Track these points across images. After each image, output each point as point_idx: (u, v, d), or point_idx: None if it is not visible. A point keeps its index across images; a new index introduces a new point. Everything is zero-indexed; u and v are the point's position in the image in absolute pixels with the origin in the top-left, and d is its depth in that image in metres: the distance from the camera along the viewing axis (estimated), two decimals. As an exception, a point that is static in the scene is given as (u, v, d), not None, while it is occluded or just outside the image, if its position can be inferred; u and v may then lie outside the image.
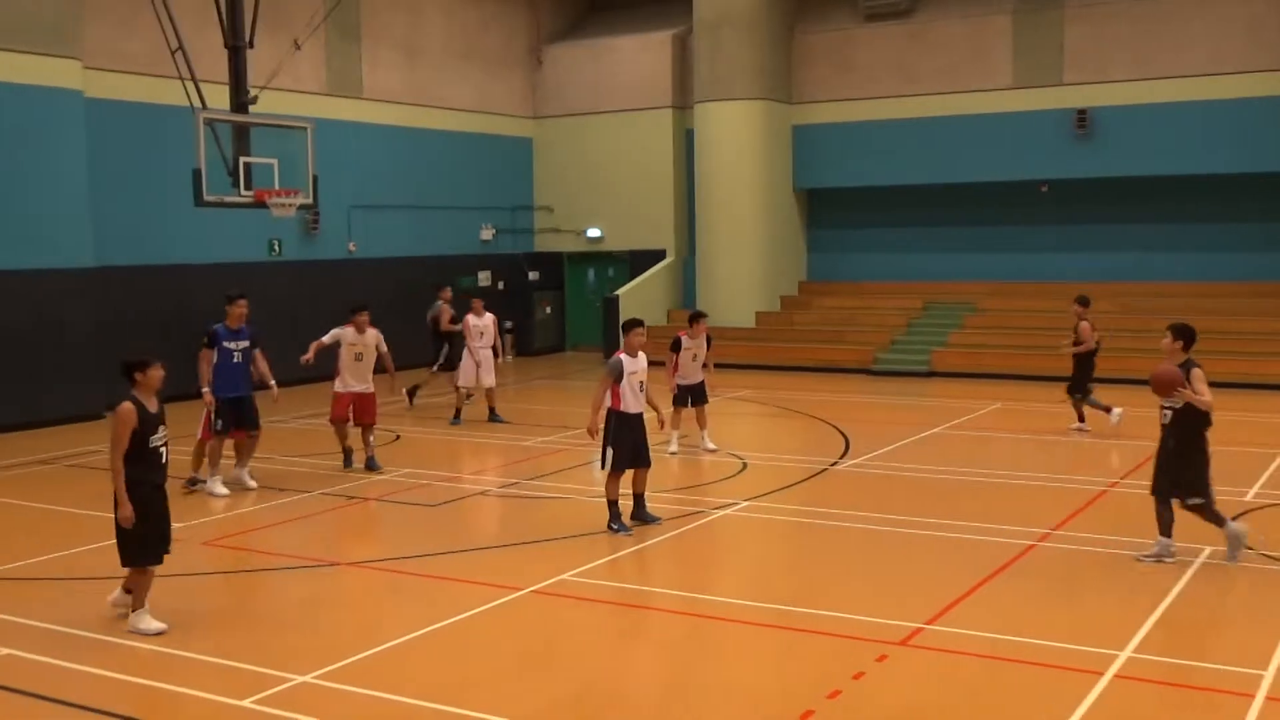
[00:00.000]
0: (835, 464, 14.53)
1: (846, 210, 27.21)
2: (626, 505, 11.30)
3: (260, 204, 17.30)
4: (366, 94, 24.81)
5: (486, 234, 27.89)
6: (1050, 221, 25.12)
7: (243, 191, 17.21)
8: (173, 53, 17.15)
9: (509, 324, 26.81)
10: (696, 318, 15.25)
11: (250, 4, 17.81)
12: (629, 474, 11.18)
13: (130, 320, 20.11)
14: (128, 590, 8.62)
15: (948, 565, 10.06)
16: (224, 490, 12.91)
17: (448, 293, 19.34)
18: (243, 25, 17.72)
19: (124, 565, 8.50)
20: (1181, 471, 9.60)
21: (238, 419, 13.01)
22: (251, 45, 17.84)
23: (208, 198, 16.83)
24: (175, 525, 11.61)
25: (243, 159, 17.24)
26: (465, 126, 27.21)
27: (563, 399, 20.91)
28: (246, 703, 7.14)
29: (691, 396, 15.26)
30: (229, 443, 13.25)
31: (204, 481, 13.11)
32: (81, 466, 15.20)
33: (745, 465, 14.41)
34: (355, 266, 24.51)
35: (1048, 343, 22.76)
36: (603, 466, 11.12)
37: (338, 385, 14.26)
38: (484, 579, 9.72)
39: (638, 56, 28.06)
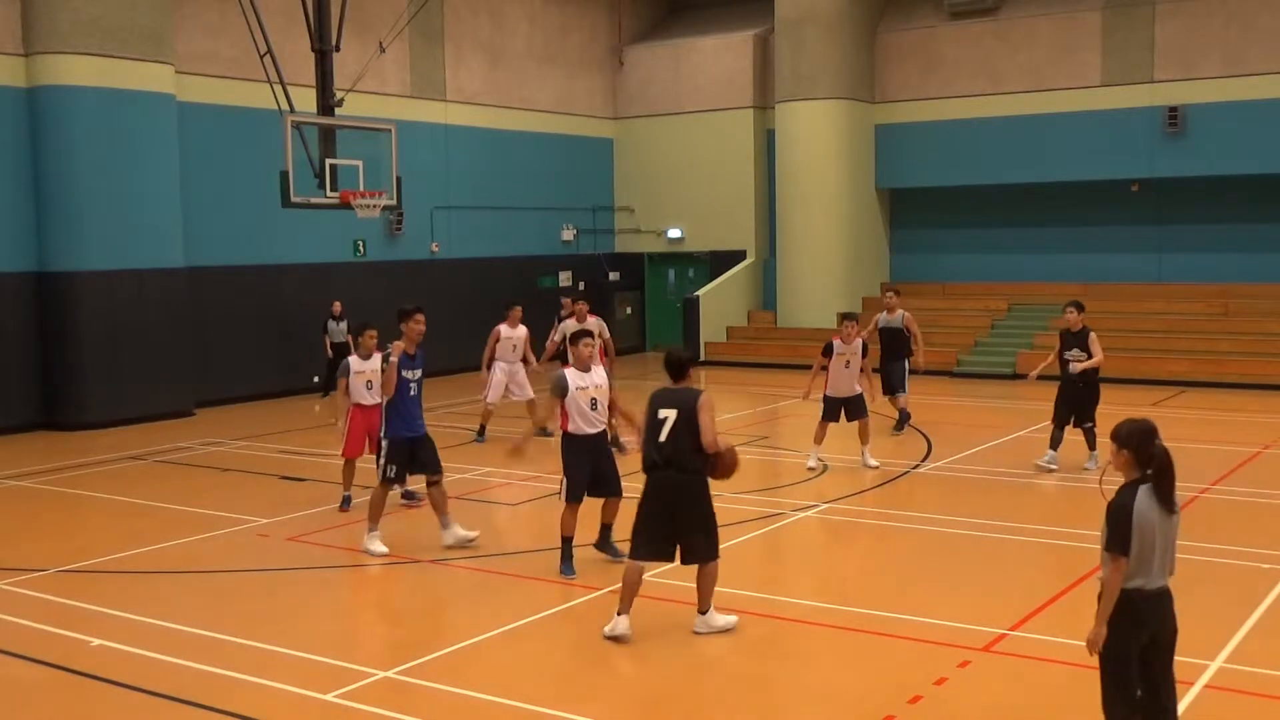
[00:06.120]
0: (917, 467, 14.37)
1: (930, 210, 26.89)
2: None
3: (345, 205, 17.53)
4: (449, 96, 25.05)
5: (567, 234, 28.02)
6: (1141, 221, 24.57)
7: (328, 193, 17.45)
8: (261, 57, 17.45)
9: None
10: (847, 319, 14.07)
11: (337, 8, 18.06)
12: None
13: (220, 319, 20.57)
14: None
15: (1032, 571, 9.90)
16: (383, 548, 10.53)
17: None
18: (329, 29, 17.97)
19: (714, 557, 8.22)
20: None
21: (415, 463, 10.71)
22: (338, 49, 18.09)
23: (295, 199, 17.09)
24: (263, 521, 12.00)
25: (329, 161, 17.48)
26: (547, 127, 27.36)
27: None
28: (330, 697, 7.24)
29: (846, 410, 13.97)
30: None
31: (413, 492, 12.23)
32: (170, 463, 15.53)
33: (826, 467, 14.29)
34: (438, 267, 24.77)
35: (1137, 345, 22.39)
36: (559, 496, 9.88)
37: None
38: (563, 578, 9.74)
39: (719, 57, 28.00)
